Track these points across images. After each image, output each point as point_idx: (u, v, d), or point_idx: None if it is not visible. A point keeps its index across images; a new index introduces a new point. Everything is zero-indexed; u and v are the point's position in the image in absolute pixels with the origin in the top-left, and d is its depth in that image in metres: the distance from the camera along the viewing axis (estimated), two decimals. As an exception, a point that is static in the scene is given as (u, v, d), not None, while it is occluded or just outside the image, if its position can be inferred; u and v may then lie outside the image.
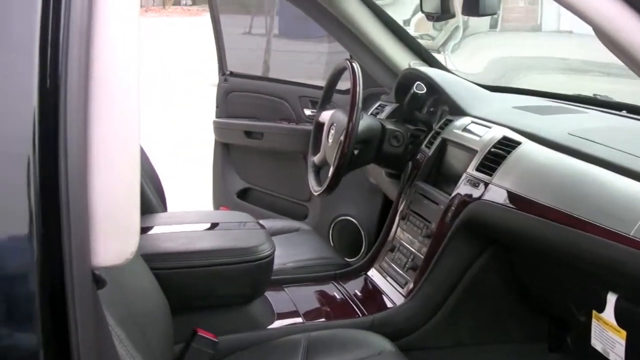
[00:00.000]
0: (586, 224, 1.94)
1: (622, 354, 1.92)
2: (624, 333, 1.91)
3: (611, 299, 1.93)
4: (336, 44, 3.78)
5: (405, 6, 5.38)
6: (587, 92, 3.13)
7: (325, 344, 2.20)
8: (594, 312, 2.00)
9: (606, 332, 1.97)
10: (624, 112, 2.71)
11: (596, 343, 2.02)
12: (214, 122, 4.12)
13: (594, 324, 2.02)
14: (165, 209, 2.88)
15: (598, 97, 3.00)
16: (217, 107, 4.16)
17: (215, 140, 4.20)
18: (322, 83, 3.48)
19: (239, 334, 2.34)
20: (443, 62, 3.69)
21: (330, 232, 3.82)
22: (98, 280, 1.14)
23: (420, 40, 4.21)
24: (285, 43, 5.51)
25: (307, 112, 3.94)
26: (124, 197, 1.11)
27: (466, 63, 4.57)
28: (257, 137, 4.01)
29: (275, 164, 4.07)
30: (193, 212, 2.82)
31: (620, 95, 2.85)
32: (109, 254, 1.11)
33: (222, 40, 4.12)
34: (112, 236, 1.11)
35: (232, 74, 4.12)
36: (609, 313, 1.94)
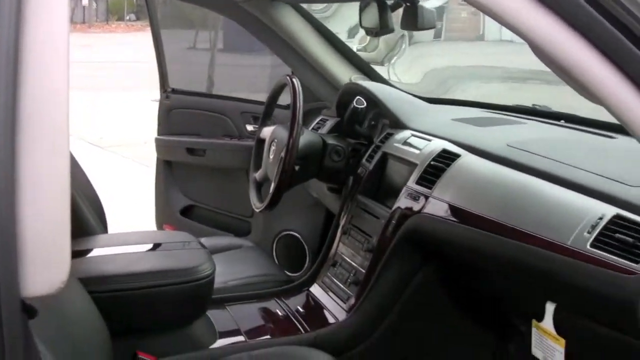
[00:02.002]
0: (525, 235, 1.97)
1: None
2: (562, 341, 1.93)
3: (550, 308, 1.95)
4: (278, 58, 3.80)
5: (351, 19, 5.41)
6: (527, 101, 3.18)
7: None
8: (533, 321, 2.02)
9: (546, 340, 1.99)
10: (562, 122, 2.76)
11: (537, 352, 2.05)
12: (156, 140, 4.09)
13: (534, 333, 2.04)
14: (105, 229, 2.85)
15: (537, 107, 3.05)
16: (158, 124, 4.12)
17: (158, 158, 4.16)
18: (265, 98, 3.49)
19: (180, 355, 2.32)
20: (387, 73, 3.72)
21: (274, 247, 3.80)
22: (29, 309, 1.11)
23: (364, 53, 4.25)
24: (230, 57, 5.43)
25: (250, 127, 3.93)
26: (53, 223, 1.09)
27: (409, 73, 4.61)
28: (199, 154, 3.99)
29: (218, 180, 4.06)
30: (133, 233, 2.79)
31: (561, 102, 2.89)
32: (39, 284, 1.09)
33: (163, 57, 4.09)
34: (42, 265, 1.08)
35: (173, 90, 4.09)
36: (548, 322, 1.96)
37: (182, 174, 4.12)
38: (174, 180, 4.13)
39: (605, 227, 1.78)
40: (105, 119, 10.76)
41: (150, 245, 2.58)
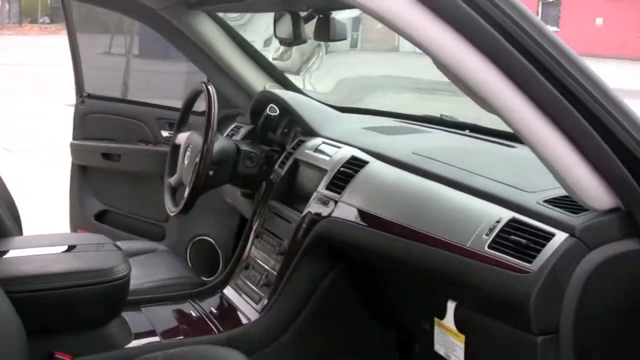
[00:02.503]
0: (427, 237, 2.08)
1: (462, 357, 2.06)
2: (462, 337, 2.05)
3: (451, 306, 2.06)
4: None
5: (267, 29, 5.48)
6: (436, 111, 3.30)
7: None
8: (435, 319, 2.14)
9: (447, 337, 2.10)
10: (467, 132, 2.90)
11: (439, 348, 2.16)
12: (71, 145, 4.10)
13: (436, 330, 2.15)
14: (20, 232, 2.86)
15: (444, 117, 3.19)
16: (74, 129, 4.13)
17: (72, 163, 4.17)
18: (180, 104, 3.55)
19: (96, 355, 2.36)
20: (302, 82, 3.81)
21: (188, 252, 3.87)
22: None
23: (279, 62, 4.34)
24: (145, 63, 5.42)
25: (165, 133, 4.00)
26: None
27: (323, 82, 4.73)
28: (114, 159, 4.04)
29: (133, 185, 4.10)
30: (49, 235, 2.81)
31: (466, 113, 3.02)
32: None
33: (79, 61, 4.11)
34: None
35: (89, 95, 4.11)
36: (449, 319, 2.07)
37: (97, 178, 4.15)
38: (88, 184, 4.16)
39: (501, 230, 1.91)
40: (17, 122, 10.63)
41: (66, 247, 2.61)
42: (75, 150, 4.10)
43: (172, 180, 3.16)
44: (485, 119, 2.43)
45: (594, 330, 1.81)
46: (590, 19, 32.56)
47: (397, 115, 3.39)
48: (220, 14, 3.60)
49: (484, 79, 1.65)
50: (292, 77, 3.95)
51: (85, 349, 2.34)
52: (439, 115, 3.22)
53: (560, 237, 1.79)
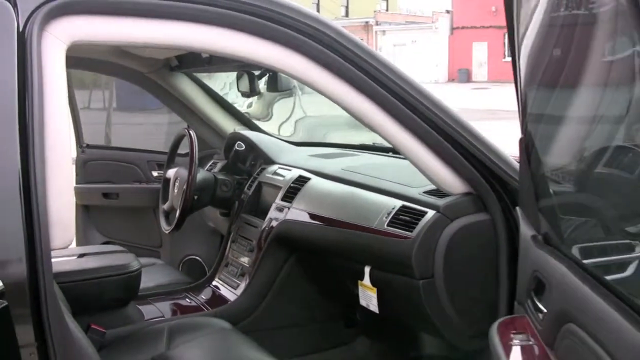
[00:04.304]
0: (350, 225, 2.96)
1: (376, 304, 2.92)
2: (375, 290, 2.91)
3: (367, 270, 2.92)
4: (169, 115, 4.56)
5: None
6: (370, 140, 4.11)
7: (182, 328, 3.00)
8: (359, 281, 2.99)
9: (366, 292, 2.96)
10: (390, 154, 3.76)
11: (362, 301, 3.01)
12: (75, 188, 4.54)
13: (360, 290, 3.00)
14: None
15: (375, 144, 4.02)
16: (76, 175, 4.68)
17: (76, 204, 4.56)
18: (160, 149, 4.29)
19: (119, 328, 3.11)
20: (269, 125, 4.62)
21: (180, 269, 4.53)
22: None
23: (250, 109, 5.07)
24: (124, 116, 5.82)
25: (155, 173, 4.63)
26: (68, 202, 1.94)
27: (281, 124, 5.38)
28: (113, 197, 4.64)
29: (130, 218, 4.70)
30: (80, 247, 3.53)
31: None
32: (58, 241, 1.90)
33: (78, 115, 4.65)
34: (61, 229, 1.91)
35: (88, 145, 4.71)
36: (366, 280, 2.93)
37: (99, 215, 4.73)
38: (91, 221, 4.73)
39: (395, 213, 2.79)
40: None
41: (94, 251, 3.38)
42: (78, 192, 4.58)
43: (166, 206, 3.94)
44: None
45: (457, 274, 2.66)
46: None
47: (336, 145, 4.27)
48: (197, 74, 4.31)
49: (371, 115, 2.48)
50: (262, 123, 4.69)
51: (111, 324, 3.07)
52: (371, 143, 4.07)
53: (430, 214, 2.67)
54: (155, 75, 4.24)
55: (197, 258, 4.58)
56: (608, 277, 1.80)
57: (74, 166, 4.62)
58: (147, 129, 5.65)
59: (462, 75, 39.76)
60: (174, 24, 2.17)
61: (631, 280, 1.76)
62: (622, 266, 1.83)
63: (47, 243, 1.83)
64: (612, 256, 1.91)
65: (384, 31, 46.50)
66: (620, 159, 1.73)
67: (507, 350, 2.11)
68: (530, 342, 2.11)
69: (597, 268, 1.88)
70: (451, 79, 41.74)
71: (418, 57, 41.90)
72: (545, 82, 2.17)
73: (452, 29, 42.83)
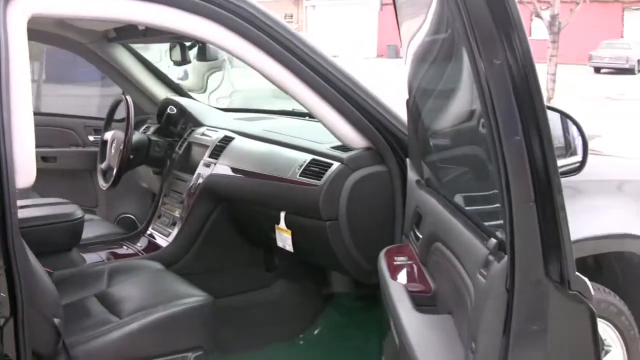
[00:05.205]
0: (268, 176, 3.38)
1: (291, 244, 3.34)
2: (289, 232, 3.33)
3: (282, 214, 3.33)
4: (100, 88, 4.92)
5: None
6: (290, 107, 4.48)
7: (121, 269, 3.37)
8: (275, 225, 3.39)
9: (282, 234, 3.37)
10: (306, 118, 4.19)
11: (279, 242, 3.41)
12: None
13: (277, 233, 3.40)
14: None
15: (294, 109, 4.44)
16: None
17: None
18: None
19: (65, 270, 3.42)
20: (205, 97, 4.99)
21: (115, 225, 4.77)
22: None
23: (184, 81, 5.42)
24: (54, 88, 5.90)
25: (91, 137, 4.91)
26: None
27: (211, 92, 5.71)
28: (51, 161, 4.83)
29: (68, 181, 4.90)
30: (32, 200, 3.78)
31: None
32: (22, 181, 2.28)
33: None
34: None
35: None
36: (282, 223, 3.34)
37: (38, 177, 4.80)
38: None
39: (306, 165, 3.22)
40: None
41: (45, 202, 3.72)
42: None
43: (103, 165, 4.29)
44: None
45: (358, 216, 3.09)
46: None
47: (259, 110, 4.71)
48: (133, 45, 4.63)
49: (286, 80, 2.91)
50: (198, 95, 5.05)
51: (57, 267, 3.37)
52: (291, 109, 4.48)
53: (335, 165, 3.10)
54: (95, 46, 4.53)
55: (131, 216, 4.89)
56: (466, 208, 2.30)
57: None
58: (78, 101, 5.82)
59: (390, 50, 40.19)
60: (120, 1, 2.59)
61: (480, 209, 2.27)
62: (475, 199, 2.33)
63: (13, 182, 2.18)
64: (470, 193, 2.41)
65: (314, 6, 46.63)
66: (469, 119, 2.22)
67: (392, 269, 2.59)
68: (410, 262, 2.59)
69: (459, 201, 2.38)
70: (380, 55, 42.18)
71: (348, 32, 42.19)
72: (417, 60, 2.69)
73: (382, 4, 43.20)
